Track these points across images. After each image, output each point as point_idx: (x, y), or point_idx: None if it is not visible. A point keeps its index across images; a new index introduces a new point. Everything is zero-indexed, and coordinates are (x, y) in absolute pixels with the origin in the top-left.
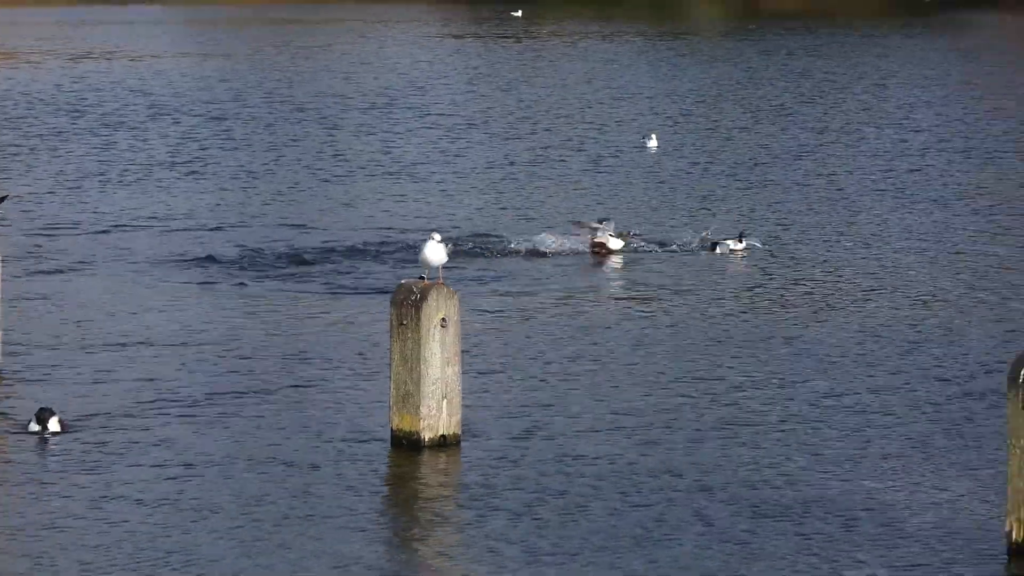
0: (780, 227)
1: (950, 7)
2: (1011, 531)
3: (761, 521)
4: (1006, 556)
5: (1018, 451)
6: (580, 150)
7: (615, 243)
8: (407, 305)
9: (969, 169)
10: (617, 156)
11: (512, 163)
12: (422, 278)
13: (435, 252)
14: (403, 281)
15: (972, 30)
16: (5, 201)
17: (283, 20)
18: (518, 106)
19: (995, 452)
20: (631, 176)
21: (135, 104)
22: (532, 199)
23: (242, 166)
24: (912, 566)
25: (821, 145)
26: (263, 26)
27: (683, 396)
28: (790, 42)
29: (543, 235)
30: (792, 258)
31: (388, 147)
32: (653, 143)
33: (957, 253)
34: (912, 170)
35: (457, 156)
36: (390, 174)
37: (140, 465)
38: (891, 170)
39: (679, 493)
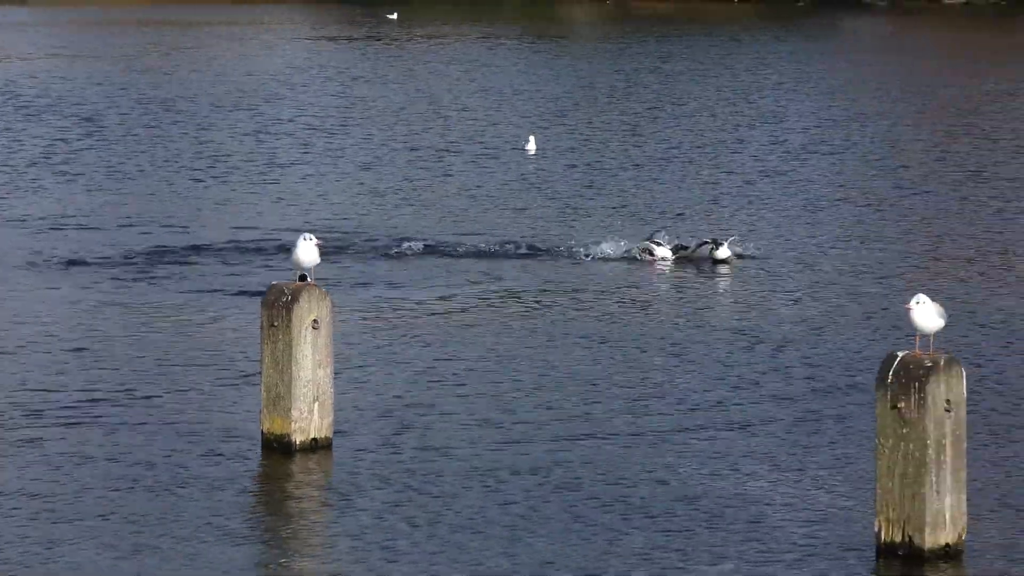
0: (657, 228)
1: (823, 9)
2: (880, 531)
3: (627, 518)
4: (875, 556)
5: (886, 451)
6: (458, 152)
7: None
8: (278, 307)
9: (843, 170)
10: (496, 158)
11: (388, 164)
12: (304, 278)
13: (307, 253)
14: (274, 282)
15: (844, 32)
16: None
17: (154, 21)
18: (394, 108)
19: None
20: (511, 178)
21: (3, 105)
22: (408, 200)
23: (113, 167)
24: (782, 566)
25: (698, 147)
26: (134, 27)
27: (553, 396)
28: (664, 45)
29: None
30: (664, 258)
31: (262, 148)
32: (532, 145)
33: (830, 253)
34: (787, 171)
35: (332, 157)
36: (264, 175)
37: (3, 468)
38: (766, 171)
39: (546, 491)
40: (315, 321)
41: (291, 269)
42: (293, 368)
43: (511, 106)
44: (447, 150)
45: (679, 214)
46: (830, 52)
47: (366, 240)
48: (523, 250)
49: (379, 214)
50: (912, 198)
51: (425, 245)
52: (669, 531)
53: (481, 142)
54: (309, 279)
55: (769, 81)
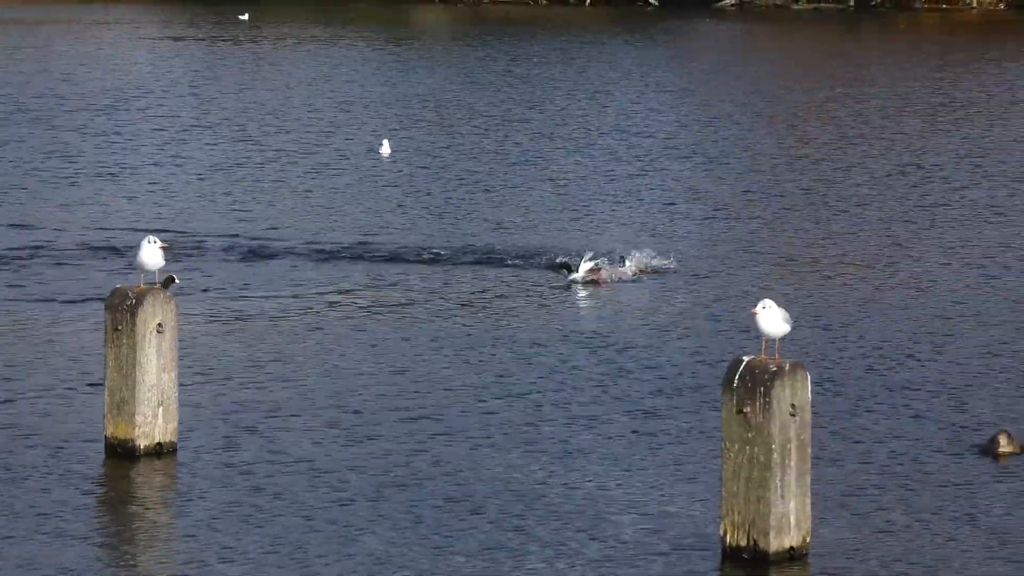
0: (512, 232)
1: (673, 13)
2: (725, 534)
3: (467, 518)
4: (720, 559)
5: (732, 455)
6: (311, 155)
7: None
8: (122, 310)
9: (693, 175)
10: (349, 160)
11: (238, 167)
12: (173, 279)
13: (151, 256)
14: (118, 286)
15: (693, 37)
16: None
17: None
18: (245, 110)
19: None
20: (365, 181)
21: None
22: (258, 202)
23: None
24: (628, 568)
25: (552, 150)
26: None
27: (398, 398)
28: (515, 48)
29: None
30: (522, 259)
31: (109, 149)
32: (386, 149)
33: (678, 258)
34: (638, 175)
35: (181, 159)
36: (111, 176)
37: None
38: (617, 174)
39: (387, 491)
40: (159, 325)
41: (136, 272)
42: (137, 372)
43: (364, 109)
44: (300, 153)
45: (530, 217)
46: (679, 56)
47: (213, 243)
48: (377, 253)
49: (228, 217)
50: (760, 203)
51: (279, 249)
52: (511, 531)
53: (335, 145)
54: (176, 281)
55: (619, 85)
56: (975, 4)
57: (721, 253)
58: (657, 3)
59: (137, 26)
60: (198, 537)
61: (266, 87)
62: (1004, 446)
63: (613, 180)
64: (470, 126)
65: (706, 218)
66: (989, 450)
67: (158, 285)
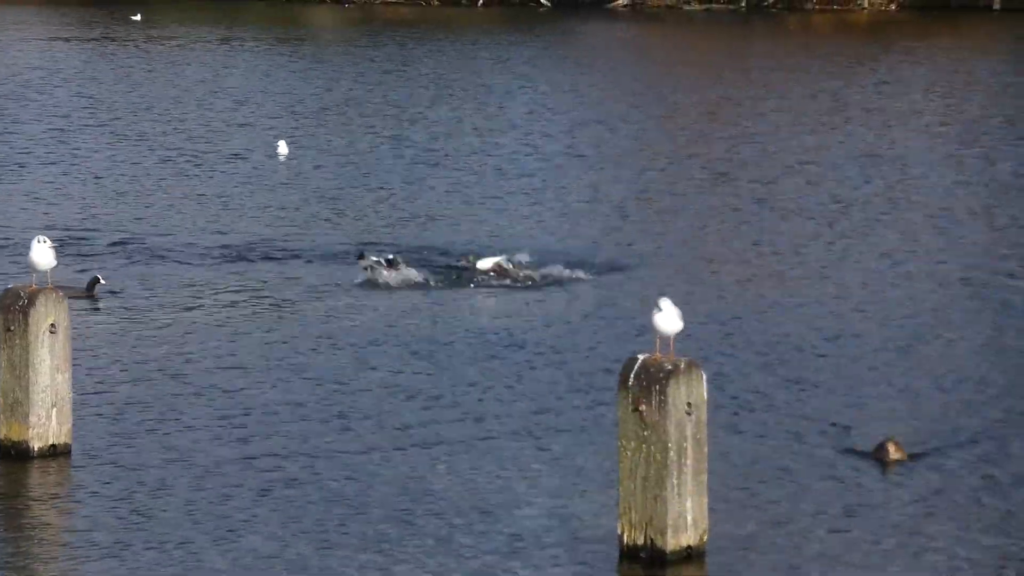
0: (410, 230)
1: (566, 14)
2: (622, 533)
3: (360, 517)
4: (618, 558)
5: (628, 453)
6: (208, 155)
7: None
8: (14, 311)
9: (587, 174)
10: (247, 161)
11: (134, 166)
12: (98, 280)
13: (43, 256)
14: (10, 286)
15: (585, 37)
16: None
17: None
18: (140, 110)
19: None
20: (265, 181)
21: None
22: (154, 202)
23: None
24: (525, 567)
25: (448, 150)
26: None
27: (293, 397)
28: (407, 49)
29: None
30: (422, 261)
31: (6, 149)
32: (283, 150)
33: (575, 257)
34: (531, 175)
35: (75, 158)
36: (2, 176)
37: None
38: (512, 173)
39: (280, 489)
40: (52, 325)
41: (28, 271)
42: (31, 373)
43: (258, 109)
44: (197, 153)
45: (427, 216)
46: (572, 57)
47: (107, 243)
48: (274, 253)
49: (123, 217)
50: (656, 203)
51: (175, 248)
52: (404, 529)
53: (231, 146)
54: (102, 281)
55: (513, 85)
56: (866, 5)
57: (618, 253)
58: (550, 4)
59: (28, 26)
60: (91, 537)
61: (161, 87)
62: (892, 454)
63: (509, 179)
64: (366, 126)
65: (602, 218)
66: (878, 457)
67: (83, 289)
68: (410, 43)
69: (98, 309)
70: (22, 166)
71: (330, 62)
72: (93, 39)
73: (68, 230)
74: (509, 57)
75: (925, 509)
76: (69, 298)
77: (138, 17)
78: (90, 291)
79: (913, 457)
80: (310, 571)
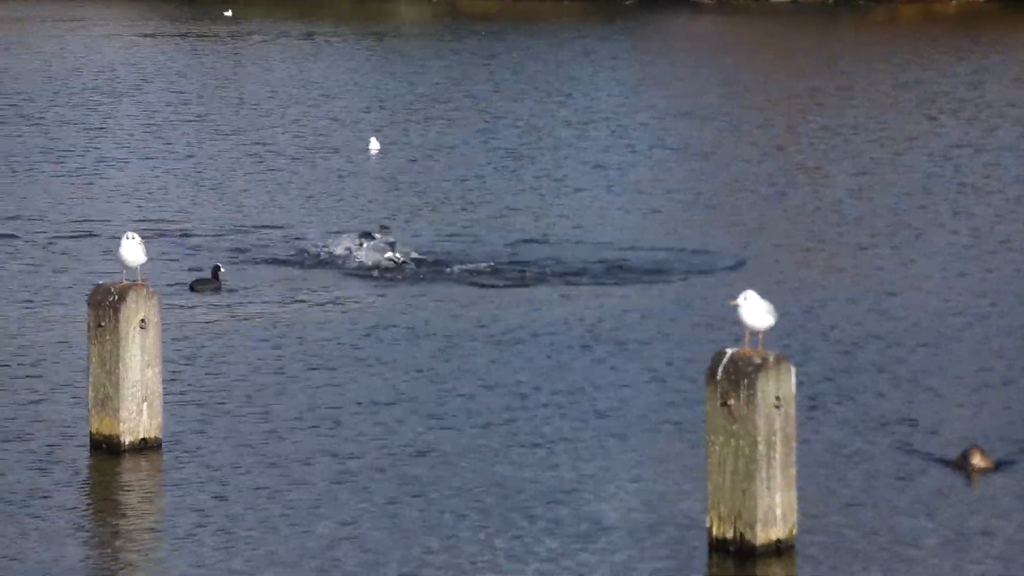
0: (508, 229)
1: (651, 8)
2: (712, 526)
3: (455, 513)
4: (707, 551)
5: (716, 448)
6: (301, 151)
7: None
8: (105, 306)
9: (677, 167)
10: (339, 157)
11: (226, 163)
12: (219, 268)
13: (132, 251)
14: (101, 282)
15: (672, 31)
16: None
17: None
18: (233, 106)
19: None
20: (356, 178)
21: None
22: (246, 198)
23: None
24: (615, 561)
25: (541, 145)
26: None
27: (388, 395)
28: (493, 43)
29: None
30: (513, 255)
31: (94, 145)
32: (375, 146)
33: (663, 248)
34: (623, 166)
35: (170, 155)
36: (97, 172)
37: None
38: (608, 167)
39: (374, 483)
40: (143, 321)
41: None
42: (121, 369)
43: (348, 105)
44: (288, 150)
45: (521, 210)
46: (658, 51)
47: (198, 238)
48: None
49: (214, 212)
50: (745, 194)
51: (267, 244)
52: (499, 525)
53: (324, 142)
54: (223, 270)
55: (598, 79)
56: None
57: (705, 246)
58: None
59: (121, 23)
60: (180, 529)
61: (253, 82)
62: (978, 462)
63: (596, 172)
64: (454, 121)
65: (690, 211)
66: (961, 465)
67: (141, 281)
68: (496, 37)
69: (192, 305)
70: (117, 162)
71: (417, 57)
72: (188, 35)
73: (161, 224)
74: (595, 51)
75: (1009, 516)
76: (201, 291)
77: (229, 13)
78: (215, 280)
79: (999, 466)
80: (400, 564)
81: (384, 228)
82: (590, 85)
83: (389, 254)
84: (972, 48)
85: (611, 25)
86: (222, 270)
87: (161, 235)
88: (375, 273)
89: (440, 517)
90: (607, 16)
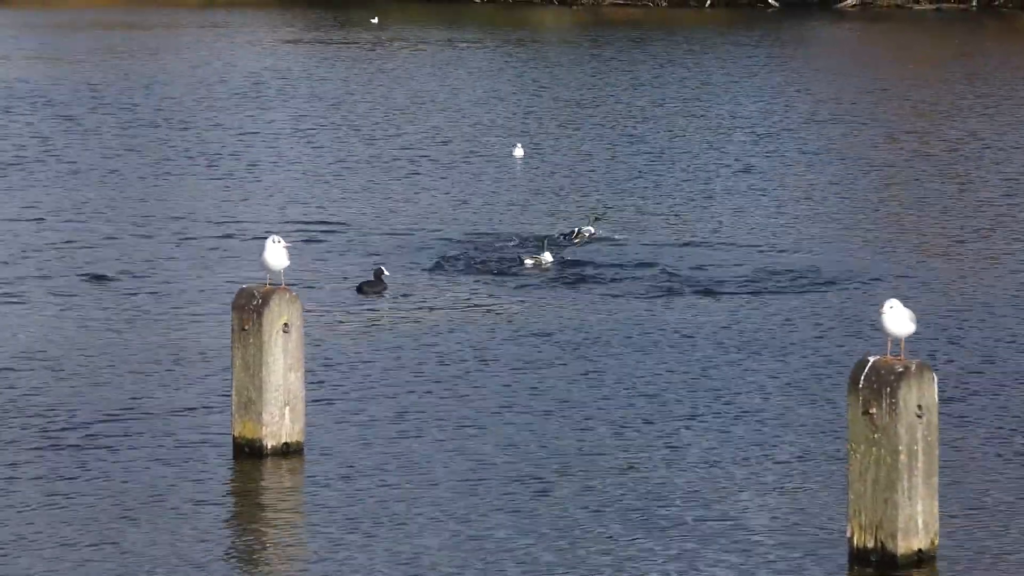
0: (651, 233)
1: (793, 14)
2: (852, 536)
3: (597, 519)
4: (848, 561)
5: (858, 456)
6: (449, 156)
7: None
8: (248, 310)
9: (819, 174)
10: (488, 163)
11: (372, 167)
12: (382, 271)
13: (276, 255)
14: (244, 286)
15: (815, 37)
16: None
17: (127, 24)
18: (376, 111)
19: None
20: (502, 184)
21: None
22: (392, 202)
23: (93, 165)
24: (755, 569)
25: (685, 151)
26: (106, 30)
27: (527, 401)
28: (637, 50)
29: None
30: (656, 260)
31: (241, 149)
32: (519, 152)
33: (805, 255)
34: (766, 172)
35: (312, 159)
36: (245, 176)
37: None
38: (751, 173)
39: (516, 491)
40: (285, 325)
41: (262, 271)
42: (264, 372)
43: (492, 111)
44: (437, 155)
45: (675, 214)
46: (800, 57)
47: (342, 242)
48: (513, 259)
49: (359, 216)
50: (893, 202)
51: (411, 250)
52: (639, 531)
53: (470, 148)
54: (386, 272)
55: (742, 85)
56: None
57: (847, 252)
58: (778, 4)
59: (265, 29)
60: (323, 535)
61: (398, 89)
62: None
63: (739, 178)
64: (598, 128)
65: (832, 217)
66: None
67: (284, 285)
68: (638, 44)
69: (340, 307)
70: (264, 166)
71: (559, 63)
72: (333, 41)
73: (309, 227)
74: (738, 57)
75: None
76: (368, 293)
77: (375, 20)
78: (379, 283)
79: None
80: (532, 566)
81: (598, 219)
82: (733, 91)
83: (547, 256)
84: None
85: (753, 31)
86: (385, 272)
87: (309, 240)
88: (529, 278)
89: (573, 520)
90: (750, 22)
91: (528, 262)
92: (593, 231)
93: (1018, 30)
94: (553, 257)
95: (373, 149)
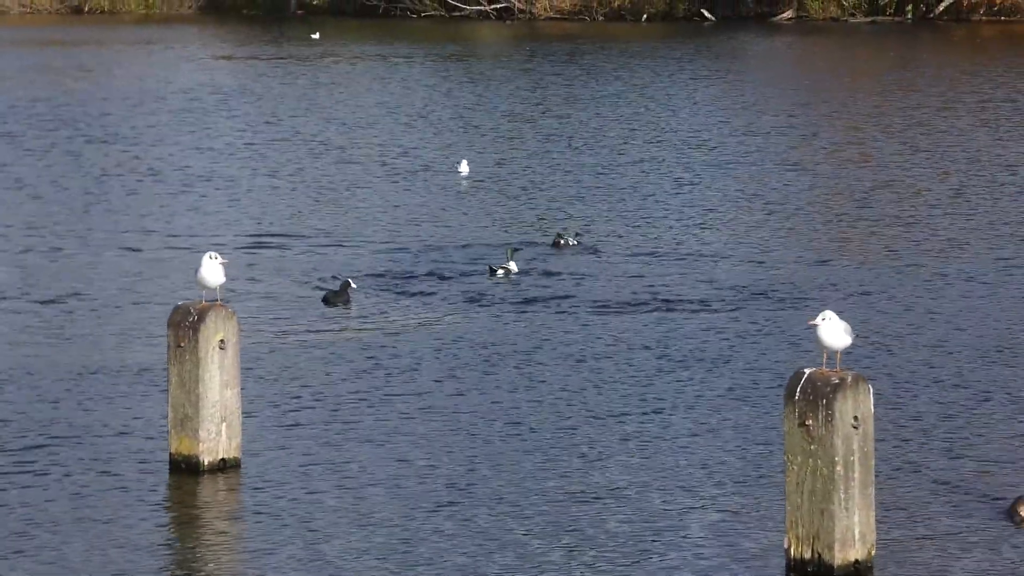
0: (599, 241)
1: (729, 27)
2: (789, 547)
3: (526, 527)
4: (785, 572)
5: (795, 468)
6: (394, 173)
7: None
8: (184, 327)
9: (749, 186)
10: (434, 178)
11: (311, 183)
12: (349, 284)
13: (212, 272)
14: (180, 302)
15: (751, 50)
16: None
17: (65, 41)
18: (317, 125)
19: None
20: (448, 199)
21: None
22: (328, 216)
23: (25, 182)
24: None
25: (624, 164)
26: (43, 47)
27: (464, 412)
28: (574, 64)
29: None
30: (594, 267)
31: (186, 164)
32: (465, 168)
33: (739, 267)
34: (702, 183)
35: (255, 175)
36: (184, 190)
37: None
38: (687, 183)
39: (449, 502)
40: (222, 341)
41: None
42: (200, 389)
43: (436, 126)
44: (384, 170)
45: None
46: (737, 69)
47: (277, 258)
48: (452, 269)
49: (296, 231)
50: (826, 212)
51: (348, 264)
52: (569, 539)
53: (414, 164)
54: (353, 285)
55: (679, 98)
56: None
57: (783, 263)
58: (714, 18)
59: (211, 45)
60: (260, 551)
61: (340, 104)
62: None
63: (678, 190)
64: (541, 143)
65: (767, 229)
66: (1012, 514)
67: (220, 301)
68: (576, 58)
69: (279, 320)
70: (203, 180)
71: (498, 78)
72: (275, 57)
73: (242, 245)
74: (675, 71)
75: None
76: (334, 304)
77: (316, 36)
78: (344, 294)
79: None
80: None
81: (516, 251)
82: (670, 104)
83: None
84: None
85: (690, 44)
86: (352, 285)
87: (250, 254)
88: (470, 291)
89: (509, 532)
90: (686, 36)
91: (499, 272)
92: (514, 268)
93: (953, 42)
94: (518, 268)
95: (315, 164)
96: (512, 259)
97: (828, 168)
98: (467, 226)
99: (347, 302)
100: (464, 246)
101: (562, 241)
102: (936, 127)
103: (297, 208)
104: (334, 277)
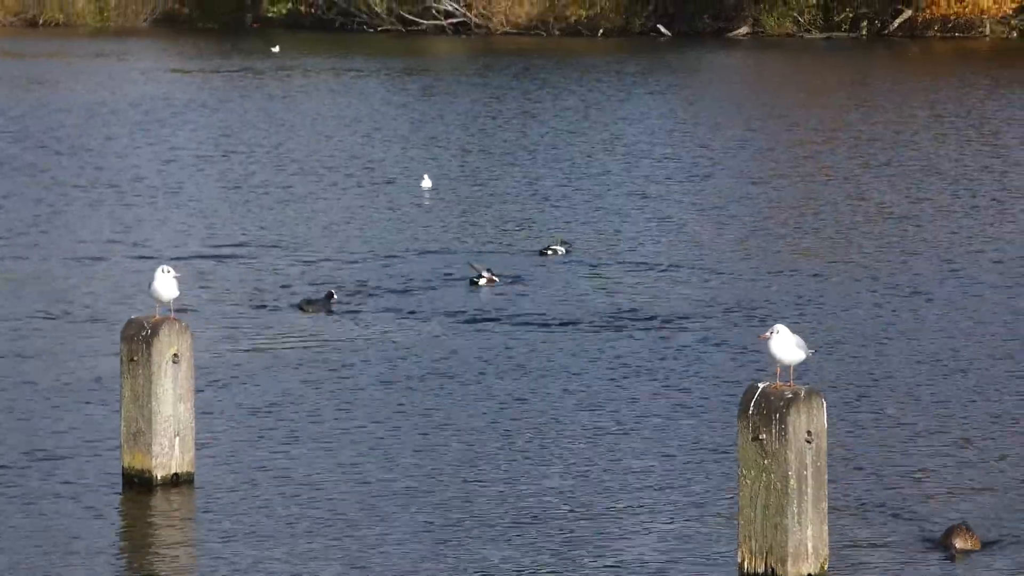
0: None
1: (685, 43)
2: (743, 561)
3: (478, 538)
4: None
5: (748, 482)
6: (355, 185)
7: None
8: (138, 340)
9: (707, 198)
10: (399, 192)
11: (269, 198)
12: (332, 295)
13: (165, 285)
14: (133, 316)
15: (706, 65)
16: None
17: (9, 52)
18: (279, 140)
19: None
20: (410, 214)
21: None
22: (287, 230)
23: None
24: None
25: (580, 178)
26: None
27: (419, 427)
28: (530, 79)
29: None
30: (545, 289)
31: (142, 176)
32: (427, 183)
33: (691, 281)
34: (658, 197)
35: (216, 188)
36: (141, 204)
37: None
38: (644, 196)
39: (417, 520)
40: (175, 355)
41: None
42: (153, 403)
43: (398, 140)
44: (348, 183)
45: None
46: (692, 85)
47: (233, 273)
48: (413, 283)
49: (253, 246)
50: (780, 226)
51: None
52: (521, 550)
53: (375, 177)
54: (335, 296)
55: (635, 112)
56: (988, 32)
57: (737, 279)
58: (669, 33)
59: (169, 59)
60: (214, 566)
61: (300, 117)
62: (961, 544)
63: (634, 205)
64: (500, 157)
65: (723, 244)
66: (945, 546)
67: (173, 315)
68: (532, 72)
69: (225, 338)
70: (158, 194)
71: (456, 92)
72: (235, 69)
73: (199, 258)
74: (631, 85)
75: None
76: (311, 313)
77: (276, 49)
78: (324, 303)
79: (986, 546)
80: None
81: (565, 242)
82: (626, 119)
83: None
84: (1004, 82)
85: (645, 59)
86: (335, 297)
87: (206, 266)
88: (429, 306)
89: (464, 546)
90: (641, 51)
91: (481, 281)
92: (562, 251)
93: (908, 58)
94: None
95: (273, 178)
96: (560, 245)
97: (784, 182)
98: (436, 239)
99: (328, 311)
100: (430, 256)
101: (550, 252)
102: (891, 141)
103: (253, 221)
104: (328, 290)
